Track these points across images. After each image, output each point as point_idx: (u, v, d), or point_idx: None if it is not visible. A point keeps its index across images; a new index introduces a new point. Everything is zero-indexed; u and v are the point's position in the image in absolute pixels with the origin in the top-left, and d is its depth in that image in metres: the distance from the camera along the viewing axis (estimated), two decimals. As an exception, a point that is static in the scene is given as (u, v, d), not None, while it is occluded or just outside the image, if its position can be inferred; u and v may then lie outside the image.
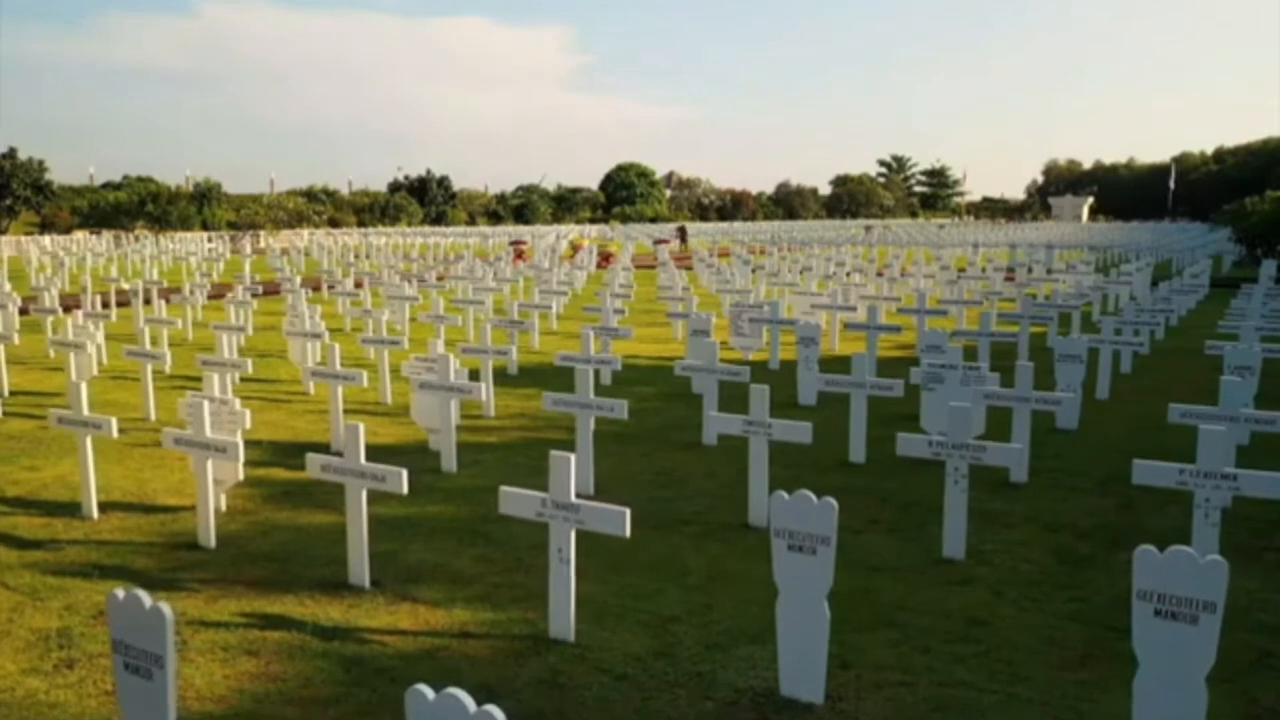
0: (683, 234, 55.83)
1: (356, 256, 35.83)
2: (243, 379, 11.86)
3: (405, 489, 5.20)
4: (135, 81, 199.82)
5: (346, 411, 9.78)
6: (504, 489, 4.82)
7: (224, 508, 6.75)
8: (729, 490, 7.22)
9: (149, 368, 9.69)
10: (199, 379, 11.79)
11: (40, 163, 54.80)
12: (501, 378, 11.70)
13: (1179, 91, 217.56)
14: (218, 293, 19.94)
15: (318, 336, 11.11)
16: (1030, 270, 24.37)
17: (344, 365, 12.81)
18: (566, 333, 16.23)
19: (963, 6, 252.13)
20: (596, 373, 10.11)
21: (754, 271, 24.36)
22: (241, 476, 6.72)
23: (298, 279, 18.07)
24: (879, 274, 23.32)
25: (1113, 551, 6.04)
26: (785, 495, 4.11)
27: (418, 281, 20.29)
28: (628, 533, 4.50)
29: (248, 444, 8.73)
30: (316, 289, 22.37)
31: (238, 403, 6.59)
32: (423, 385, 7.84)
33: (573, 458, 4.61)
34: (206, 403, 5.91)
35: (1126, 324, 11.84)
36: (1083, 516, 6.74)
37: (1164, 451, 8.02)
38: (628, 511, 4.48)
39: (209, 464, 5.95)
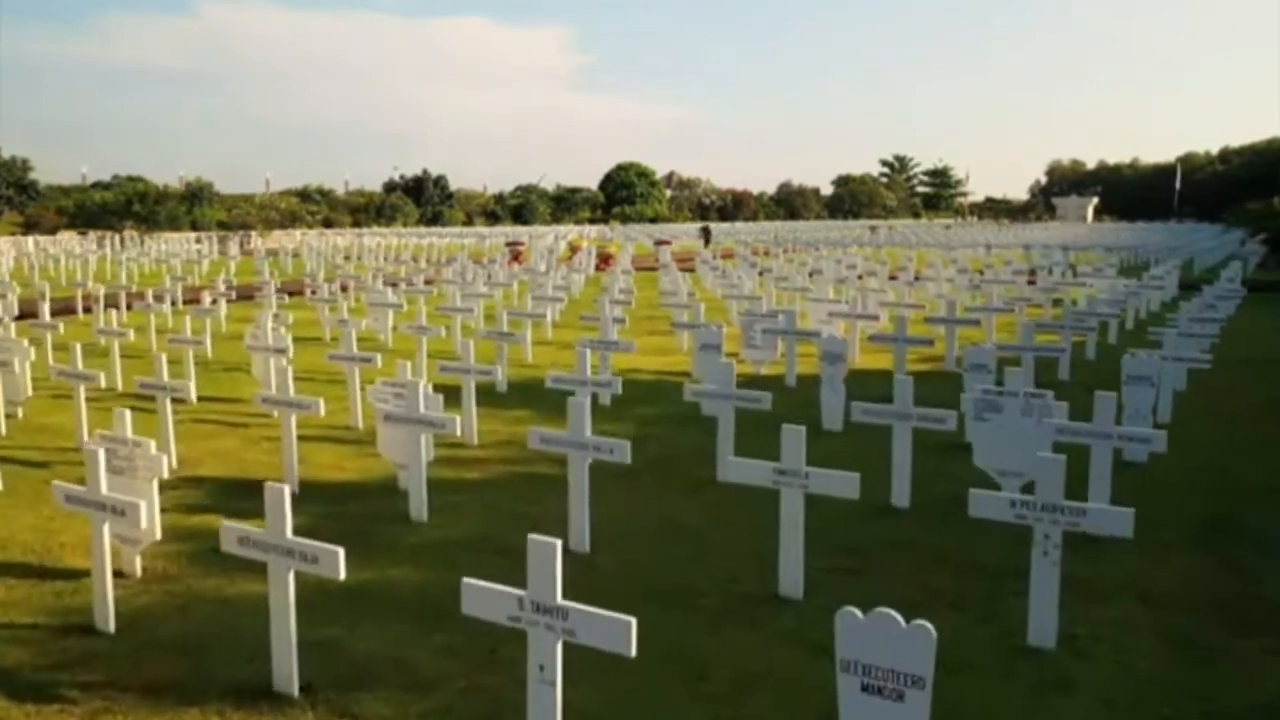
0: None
1: (347, 258, 34.62)
2: (200, 398, 10.65)
3: (342, 573, 3.99)
4: (134, 81, 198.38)
5: (308, 439, 8.59)
6: (467, 583, 3.62)
7: (139, 572, 5.54)
8: (752, 546, 6.01)
9: (81, 389, 8.48)
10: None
11: (24, 161, 53.58)
12: (489, 396, 10.51)
13: (1183, 91, 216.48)
14: (194, 296, 18.69)
15: (281, 351, 9.89)
16: (1050, 273, 23.14)
17: (316, 382, 11.68)
18: (562, 342, 15.02)
19: (964, 6, 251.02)
20: (594, 395, 8.90)
21: (760, 274, 23.17)
22: (159, 535, 5.51)
23: (273, 284, 16.85)
24: (892, 278, 22.11)
25: (1239, 636, 4.84)
26: (858, 614, 2.91)
27: (406, 285, 19.08)
28: (633, 650, 3.30)
29: (187, 481, 7.56)
30: (299, 293, 21.17)
31: (153, 445, 5.38)
32: (388, 418, 6.63)
33: (558, 546, 3.40)
34: (103, 451, 4.70)
35: (1185, 336, 10.63)
36: (1187, 584, 5.53)
37: (1263, 491, 6.81)
38: (633, 623, 3.28)
39: (106, 528, 4.74)
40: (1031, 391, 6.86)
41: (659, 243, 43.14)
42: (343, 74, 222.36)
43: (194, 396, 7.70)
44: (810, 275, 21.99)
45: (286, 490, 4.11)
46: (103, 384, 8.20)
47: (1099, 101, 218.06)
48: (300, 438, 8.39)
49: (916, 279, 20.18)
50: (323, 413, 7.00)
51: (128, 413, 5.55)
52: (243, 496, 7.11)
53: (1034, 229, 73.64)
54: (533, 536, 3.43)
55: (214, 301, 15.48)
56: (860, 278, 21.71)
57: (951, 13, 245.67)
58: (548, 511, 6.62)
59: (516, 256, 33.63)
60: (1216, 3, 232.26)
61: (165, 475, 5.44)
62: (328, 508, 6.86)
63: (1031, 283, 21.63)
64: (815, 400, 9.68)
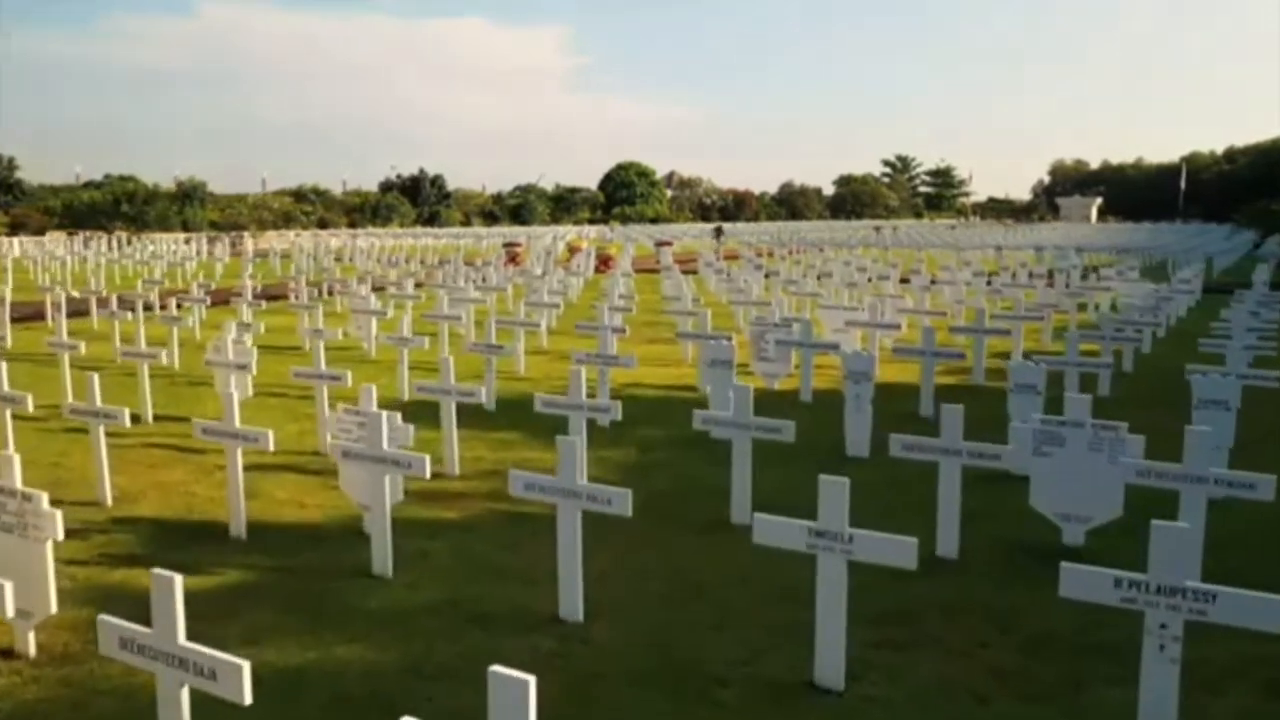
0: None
1: (338, 259, 33.62)
2: (157, 417, 9.68)
3: (247, 695, 2.99)
4: (134, 82, 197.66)
5: (267, 468, 7.63)
6: (407, 727, 2.60)
7: (33, 651, 4.54)
8: (777, 611, 5.03)
9: (8, 413, 7.50)
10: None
11: (10, 160, 52.40)
12: (474, 415, 9.50)
13: (1187, 90, 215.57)
14: (171, 302, 17.61)
15: (243, 367, 8.91)
16: (1068, 276, 22.11)
17: (288, 398, 10.64)
18: (558, 352, 14.02)
19: (966, 5, 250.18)
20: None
21: (766, 277, 22.18)
22: (54, 608, 4.52)
23: (249, 288, 15.85)
24: (904, 280, 21.11)
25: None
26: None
27: (395, 289, 18.05)
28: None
29: (120, 522, 6.56)
30: (284, 297, 20.16)
31: (44, 499, 4.38)
32: (346, 454, 5.63)
33: (531, 685, 2.40)
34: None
35: (1248, 350, 9.62)
36: (1313, 667, 4.53)
37: None
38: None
39: (-30, 611, 3.75)
40: (1101, 423, 5.87)
41: (660, 244, 42.14)
42: (342, 74, 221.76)
43: (126, 419, 6.68)
44: (818, 278, 21.02)
45: (178, 582, 3.11)
46: (30, 407, 7.19)
47: (1102, 101, 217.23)
48: (257, 467, 7.46)
49: (933, 283, 19.17)
50: (271, 446, 6.01)
51: (16, 458, 4.55)
52: (182, 543, 6.13)
53: (1041, 229, 72.61)
54: (495, 670, 2.43)
55: (180, 307, 14.47)
56: (870, 281, 20.73)
57: (954, 11, 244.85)
58: (534, 563, 5.65)
59: (514, 258, 32.63)
60: (1221, 1, 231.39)
61: (59, 535, 4.43)
62: (278, 559, 5.87)
63: (1050, 285, 20.65)
64: (837, 421, 8.70)
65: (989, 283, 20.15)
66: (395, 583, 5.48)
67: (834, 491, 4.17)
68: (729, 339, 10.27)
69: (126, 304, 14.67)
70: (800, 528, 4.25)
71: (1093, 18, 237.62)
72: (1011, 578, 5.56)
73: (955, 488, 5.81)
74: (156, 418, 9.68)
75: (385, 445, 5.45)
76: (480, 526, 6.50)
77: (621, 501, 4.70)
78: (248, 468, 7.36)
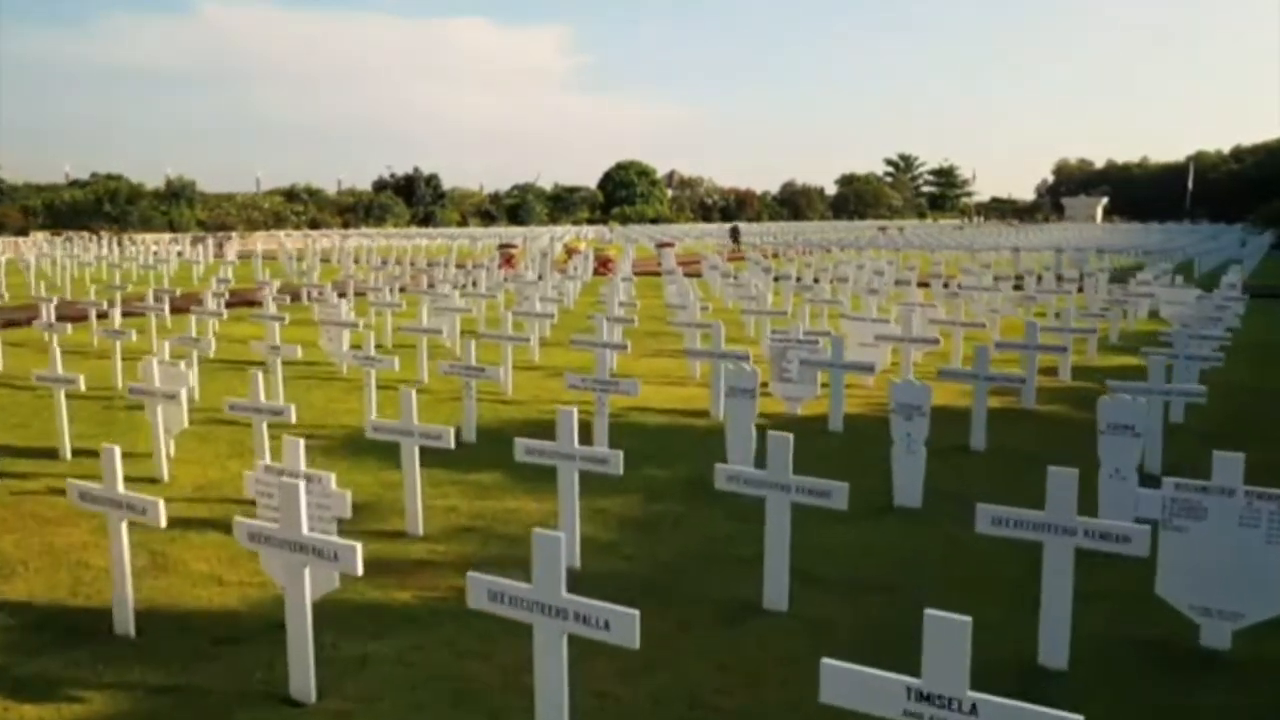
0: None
1: (325, 261, 32.15)
2: (77, 451, 8.25)
3: None
4: (133, 82, 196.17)
5: (191, 523, 6.19)
6: None
7: None
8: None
9: None
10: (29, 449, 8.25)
11: (-11, 158, 50.88)
12: (450, 449, 8.05)
13: (1194, 89, 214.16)
14: (132, 309, 16.15)
15: (171, 398, 7.50)
16: (1097, 280, 20.64)
17: (238, 425, 9.09)
18: (551, 367, 12.59)
19: (969, 3, 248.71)
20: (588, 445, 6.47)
21: (776, 280, 20.76)
22: None
23: (212, 296, 14.40)
24: (922, 284, 19.67)
25: None
26: None
27: (374, 295, 16.60)
28: None
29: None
30: (258, 303, 18.70)
31: None
32: (253, 539, 4.19)
33: None
34: None
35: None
36: None
37: None
38: None
39: None
40: (1257, 490, 4.45)
41: (661, 245, 40.67)
42: (342, 74, 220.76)
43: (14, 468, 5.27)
44: (833, 282, 19.57)
45: None
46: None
47: (1107, 100, 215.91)
48: (179, 522, 6.06)
49: (960, 288, 17.72)
50: (162, 521, 4.57)
51: None
52: (50, 645, 4.70)
53: (1051, 230, 71.22)
54: None
55: (125, 316, 13.02)
56: (887, 286, 19.27)
57: (957, 10, 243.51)
58: (509, 677, 4.26)
59: (509, 260, 31.14)
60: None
61: None
62: (169, 671, 4.43)
63: (1080, 290, 19.25)
64: (875, 457, 7.34)
65: (1018, 288, 18.71)
66: (318, 712, 4.05)
67: (948, 635, 2.73)
68: (747, 358, 8.86)
69: (78, 312, 13.23)
70: (896, 686, 2.81)
71: (1097, 15, 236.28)
72: (1147, 702, 4.13)
73: (1067, 581, 4.37)
74: (77, 452, 8.26)
75: (305, 529, 4.02)
76: (442, 616, 5.05)
77: (625, 627, 3.28)
78: (168, 523, 5.96)
